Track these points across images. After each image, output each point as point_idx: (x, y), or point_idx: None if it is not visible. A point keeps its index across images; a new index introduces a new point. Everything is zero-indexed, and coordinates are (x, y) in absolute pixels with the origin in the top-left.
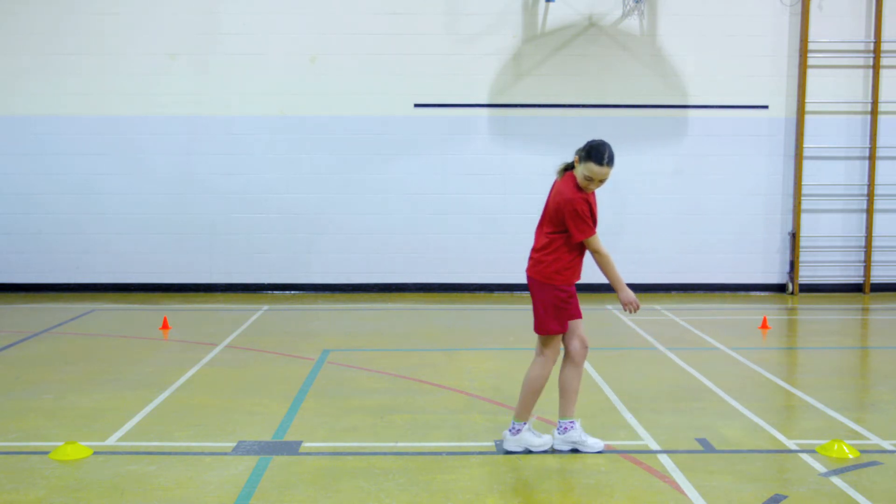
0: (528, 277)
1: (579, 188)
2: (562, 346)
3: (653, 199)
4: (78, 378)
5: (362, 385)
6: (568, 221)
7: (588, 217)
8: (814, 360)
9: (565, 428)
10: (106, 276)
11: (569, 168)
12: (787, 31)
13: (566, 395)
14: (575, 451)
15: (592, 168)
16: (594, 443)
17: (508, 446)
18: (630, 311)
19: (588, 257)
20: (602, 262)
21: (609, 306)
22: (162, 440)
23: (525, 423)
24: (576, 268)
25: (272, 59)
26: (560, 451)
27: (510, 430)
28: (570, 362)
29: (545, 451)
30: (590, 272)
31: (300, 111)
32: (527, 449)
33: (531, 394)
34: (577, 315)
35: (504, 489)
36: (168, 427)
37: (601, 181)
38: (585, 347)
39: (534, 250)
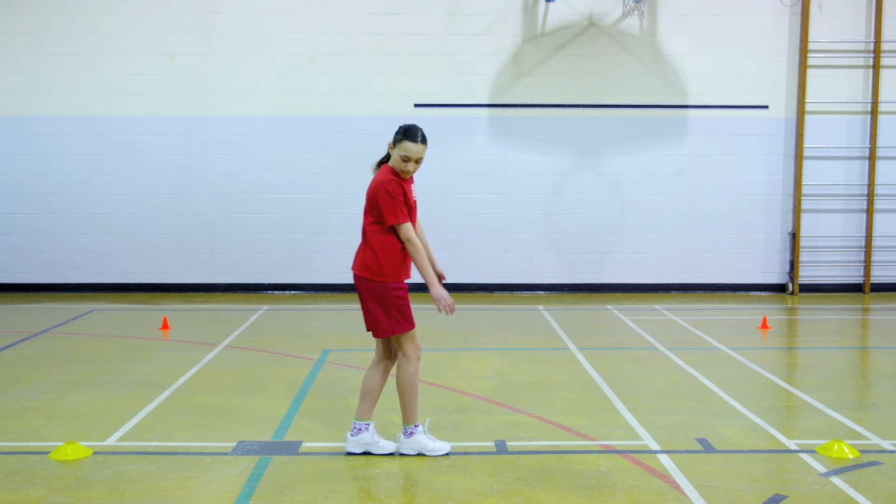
0: (355, 276)
1: (395, 174)
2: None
3: (653, 199)
4: (78, 378)
5: None
6: (381, 204)
7: (401, 200)
8: (814, 360)
9: (359, 429)
10: (106, 276)
11: (383, 162)
12: (787, 31)
13: (367, 398)
14: (367, 453)
15: (408, 146)
16: (386, 444)
17: (403, 449)
18: (445, 312)
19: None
20: (413, 251)
21: (609, 306)
22: (162, 440)
23: (417, 426)
24: (406, 263)
25: (272, 59)
26: (353, 452)
27: (404, 434)
28: (380, 365)
29: (445, 454)
30: (591, 273)
31: (300, 111)
32: (420, 452)
33: (411, 395)
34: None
35: (504, 489)
36: (168, 427)
37: (418, 161)
38: (394, 359)
39: (359, 248)
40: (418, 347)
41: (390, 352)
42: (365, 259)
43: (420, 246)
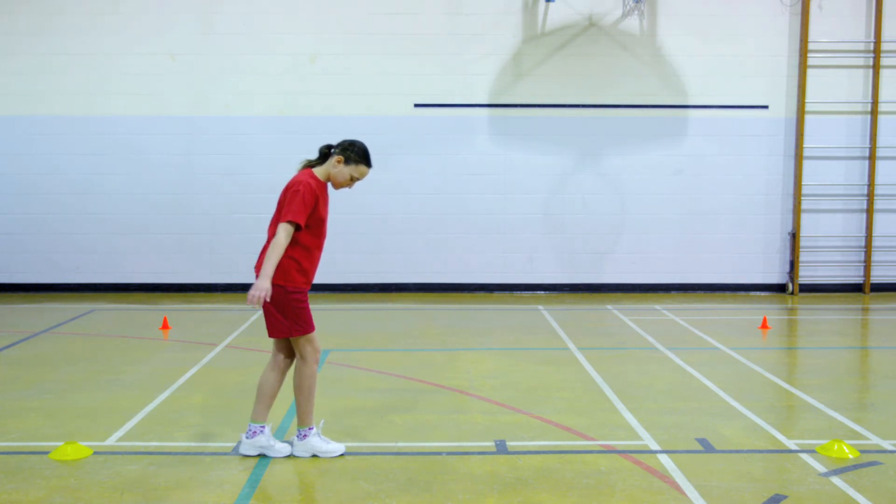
0: (257, 278)
1: (317, 181)
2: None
3: (653, 199)
4: (78, 378)
5: (362, 385)
6: (288, 199)
7: (309, 206)
8: (814, 360)
9: (254, 432)
10: (106, 276)
11: (311, 164)
12: (787, 31)
13: (263, 400)
14: (262, 455)
15: (364, 170)
16: (281, 447)
17: (297, 451)
18: (253, 303)
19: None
20: (272, 247)
21: (609, 306)
22: (162, 440)
23: (311, 428)
24: (309, 269)
25: (272, 59)
26: (248, 455)
27: (297, 436)
28: (276, 367)
29: (340, 455)
30: (591, 273)
31: (300, 111)
32: (314, 454)
33: (307, 397)
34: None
35: (504, 489)
36: (168, 427)
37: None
38: (292, 359)
39: (263, 248)
40: (317, 350)
41: (288, 352)
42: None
43: (282, 250)
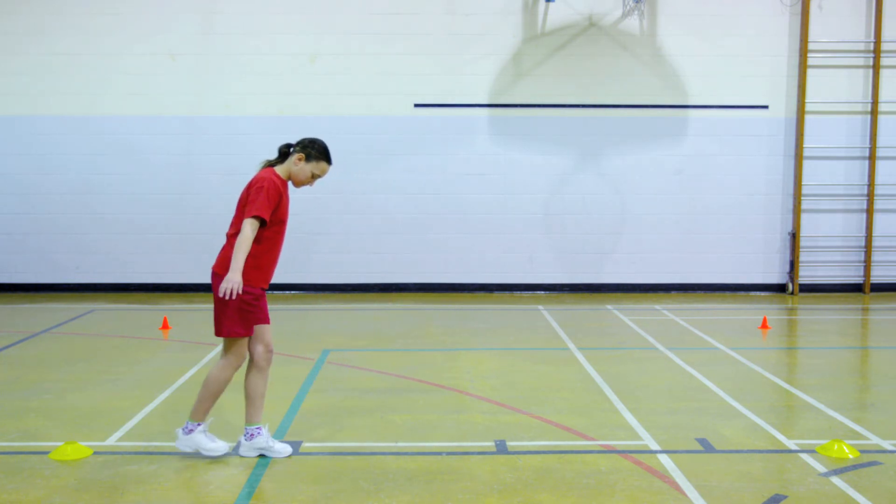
0: (213, 274)
1: (280, 179)
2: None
3: (653, 199)
4: (78, 378)
5: (362, 385)
6: (252, 195)
7: (273, 202)
8: (814, 360)
9: (252, 434)
10: (106, 276)
11: (272, 164)
12: (787, 31)
13: (252, 402)
14: (262, 456)
15: (325, 167)
16: (281, 448)
17: (179, 444)
18: (226, 294)
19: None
20: (239, 241)
21: (609, 306)
22: (162, 440)
23: (199, 424)
24: (265, 268)
25: (272, 59)
26: (248, 456)
27: (183, 429)
28: (255, 367)
29: (223, 454)
30: (591, 273)
31: (300, 111)
32: (197, 450)
33: (209, 395)
34: (265, 320)
35: (504, 489)
36: (168, 427)
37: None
38: (270, 352)
39: (223, 247)
40: (242, 357)
41: (254, 349)
42: (227, 256)
43: (249, 244)
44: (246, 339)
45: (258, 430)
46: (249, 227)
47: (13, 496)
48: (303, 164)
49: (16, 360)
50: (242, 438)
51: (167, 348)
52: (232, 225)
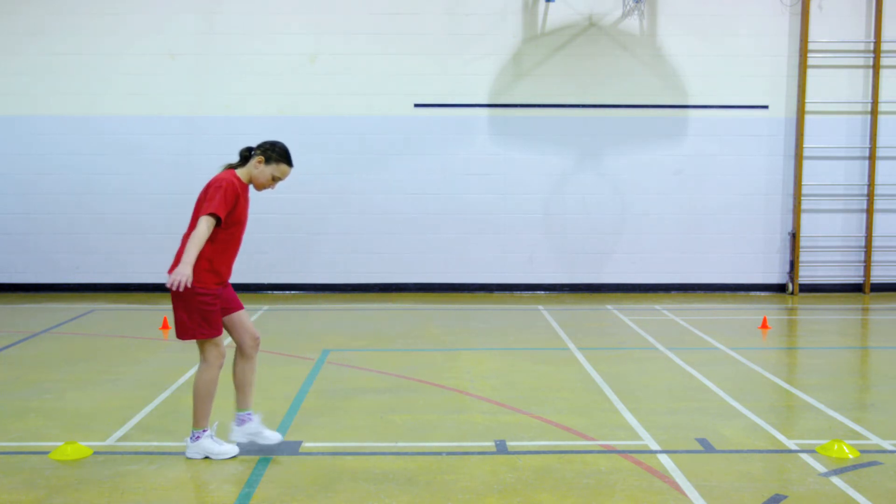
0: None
1: (239, 181)
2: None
3: (653, 199)
4: (78, 378)
5: (362, 385)
6: (209, 193)
7: (230, 201)
8: (814, 360)
9: (243, 420)
10: (106, 276)
11: (232, 166)
12: (787, 31)
13: (242, 389)
14: (253, 442)
15: (285, 170)
16: (271, 434)
17: (189, 453)
18: (174, 285)
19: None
20: (192, 236)
21: (609, 306)
22: (162, 440)
23: (205, 430)
24: (221, 270)
25: (272, 59)
26: (239, 441)
27: (190, 438)
28: (241, 356)
29: (232, 457)
30: (591, 273)
31: (300, 111)
32: (206, 456)
33: (203, 400)
34: (235, 307)
35: (504, 489)
36: (168, 427)
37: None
38: (255, 339)
39: (178, 249)
40: (222, 355)
41: (236, 343)
42: (181, 256)
43: (202, 239)
44: (219, 337)
45: (249, 416)
46: (205, 224)
47: (13, 496)
48: (263, 166)
49: (16, 360)
50: (234, 424)
51: (167, 348)
52: (189, 226)
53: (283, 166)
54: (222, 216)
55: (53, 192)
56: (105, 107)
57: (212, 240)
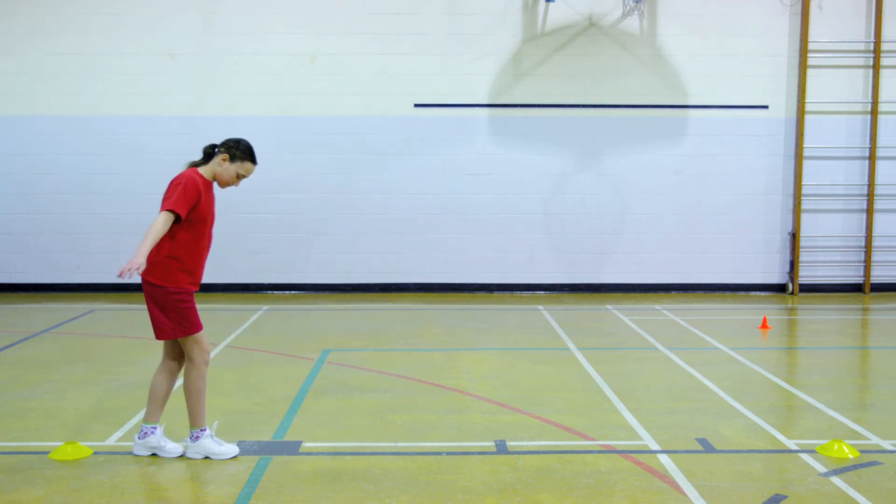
0: (143, 280)
1: (202, 178)
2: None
3: (653, 199)
4: (78, 378)
5: (362, 385)
6: (170, 190)
7: (191, 198)
8: (814, 360)
9: (145, 433)
10: (106, 276)
11: (196, 164)
12: (787, 31)
13: (154, 400)
14: (155, 455)
15: (250, 167)
16: (173, 447)
17: (189, 453)
18: (125, 272)
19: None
20: (149, 229)
21: (609, 306)
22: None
23: (204, 429)
24: (193, 270)
25: (272, 59)
26: (139, 455)
27: (190, 438)
28: (166, 370)
29: (233, 457)
30: (591, 273)
31: (300, 111)
32: (207, 456)
33: (197, 398)
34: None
35: (504, 489)
36: (168, 427)
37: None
38: (182, 363)
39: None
40: (205, 352)
41: (176, 354)
42: (152, 262)
43: (159, 231)
44: (201, 334)
45: (153, 430)
46: (162, 219)
47: (13, 496)
48: (227, 164)
49: (16, 360)
50: (136, 437)
51: None
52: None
53: (248, 164)
54: (181, 213)
55: (53, 192)
56: (105, 107)
57: (178, 238)
